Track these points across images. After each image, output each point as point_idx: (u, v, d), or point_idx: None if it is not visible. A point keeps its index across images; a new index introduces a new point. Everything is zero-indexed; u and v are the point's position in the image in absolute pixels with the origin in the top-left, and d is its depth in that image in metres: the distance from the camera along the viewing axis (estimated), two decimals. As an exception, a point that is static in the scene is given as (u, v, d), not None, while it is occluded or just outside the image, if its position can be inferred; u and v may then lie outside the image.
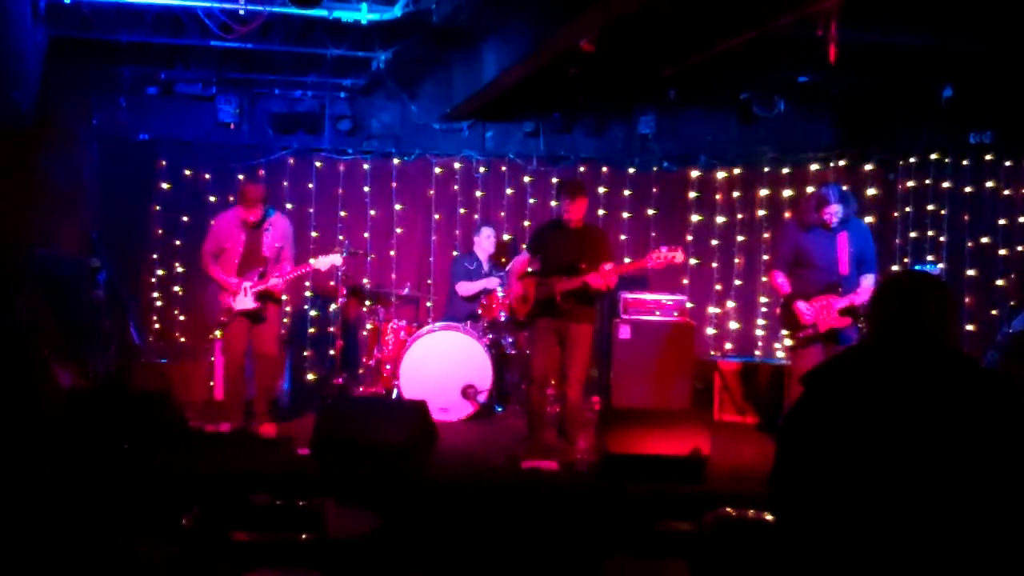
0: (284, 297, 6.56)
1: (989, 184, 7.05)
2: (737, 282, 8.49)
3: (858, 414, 2.16)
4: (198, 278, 8.13)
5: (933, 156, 7.40)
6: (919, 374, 2.19)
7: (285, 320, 8.03)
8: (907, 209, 7.54)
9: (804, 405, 2.29)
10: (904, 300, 2.29)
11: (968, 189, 7.18)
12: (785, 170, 8.39)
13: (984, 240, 7.04)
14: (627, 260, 7.57)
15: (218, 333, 6.93)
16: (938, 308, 2.28)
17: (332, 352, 7.93)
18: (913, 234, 7.48)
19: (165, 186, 8.13)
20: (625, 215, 8.45)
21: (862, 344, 2.42)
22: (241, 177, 8.10)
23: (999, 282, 6.92)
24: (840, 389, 2.24)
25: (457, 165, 8.38)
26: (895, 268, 7.39)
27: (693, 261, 8.39)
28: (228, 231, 6.27)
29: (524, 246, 6.68)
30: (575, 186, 6.08)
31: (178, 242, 8.14)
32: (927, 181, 7.44)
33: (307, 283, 8.26)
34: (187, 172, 8.13)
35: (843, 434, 2.16)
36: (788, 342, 5.99)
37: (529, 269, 6.13)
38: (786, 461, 2.27)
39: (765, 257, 8.34)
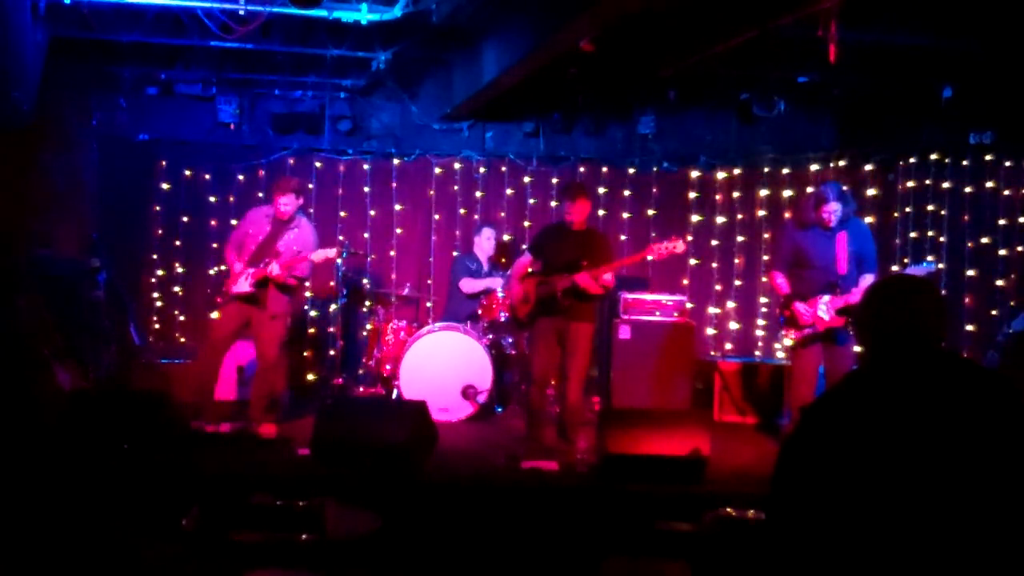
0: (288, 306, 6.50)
1: (989, 184, 7.04)
2: (737, 282, 8.49)
3: (865, 442, 2.05)
4: (198, 278, 8.18)
5: (933, 156, 7.39)
6: (922, 387, 2.10)
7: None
8: (907, 209, 7.54)
9: (804, 439, 2.16)
10: (895, 304, 2.21)
11: (968, 189, 7.17)
12: (785, 170, 8.39)
13: (984, 240, 7.03)
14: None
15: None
16: (931, 310, 2.20)
17: (332, 352, 7.94)
18: (913, 234, 7.47)
19: (165, 186, 8.13)
20: (625, 215, 8.45)
21: (856, 370, 2.32)
22: (241, 177, 8.14)
23: (999, 282, 6.91)
24: (842, 420, 2.11)
25: (457, 165, 8.38)
26: (895, 268, 7.38)
27: (693, 261, 8.39)
28: (256, 220, 6.38)
29: (524, 247, 6.68)
30: (576, 188, 6.10)
31: (178, 242, 8.15)
32: (927, 181, 7.43)
33: (307, 283, 8.25)
34: (187, 172, 8.14)
35: (851, 464, 2.04)
36: (788, 342, 5.99)
37: (530, 270, 6.13)
38: (788, 498, 2.13)
39: (765, 257, 8.34)
